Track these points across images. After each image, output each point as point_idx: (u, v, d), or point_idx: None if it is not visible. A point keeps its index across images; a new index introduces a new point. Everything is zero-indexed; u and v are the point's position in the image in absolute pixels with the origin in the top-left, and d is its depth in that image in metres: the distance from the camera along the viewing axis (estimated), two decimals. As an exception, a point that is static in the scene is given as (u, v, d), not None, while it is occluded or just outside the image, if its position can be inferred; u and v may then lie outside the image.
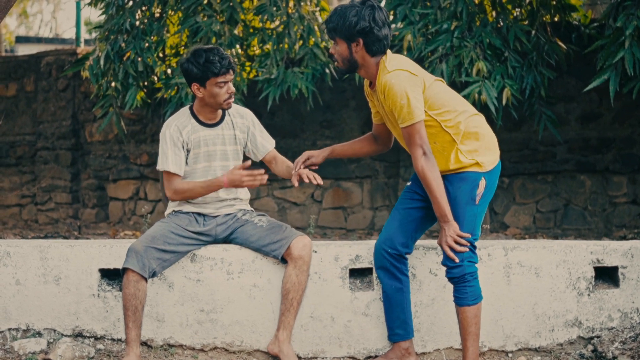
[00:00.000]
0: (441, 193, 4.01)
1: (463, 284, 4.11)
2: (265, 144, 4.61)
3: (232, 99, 4.44)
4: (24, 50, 19.06)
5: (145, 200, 10.47)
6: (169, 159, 4.42)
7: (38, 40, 21.74)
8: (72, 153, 10.78)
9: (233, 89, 4.42)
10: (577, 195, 8.85)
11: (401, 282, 4.33)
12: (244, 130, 4.57)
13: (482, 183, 4.11)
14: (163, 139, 4.45)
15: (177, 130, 4.43)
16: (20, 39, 21.49)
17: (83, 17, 10.28)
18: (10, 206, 11.25)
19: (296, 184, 4.29)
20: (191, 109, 4.51)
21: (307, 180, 4.24)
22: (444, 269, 4.47)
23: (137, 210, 10.49)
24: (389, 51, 4.13)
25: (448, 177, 4.14)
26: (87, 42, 14.47)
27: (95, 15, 32.71)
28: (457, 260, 4.07)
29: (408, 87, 3.97)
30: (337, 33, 4.08)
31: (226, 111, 4.54)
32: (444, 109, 4.09)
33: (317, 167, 4.41)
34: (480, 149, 4.14)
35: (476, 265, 4.15)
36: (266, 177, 4.29)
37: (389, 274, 4.33)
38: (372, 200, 9.48)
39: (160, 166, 4.44)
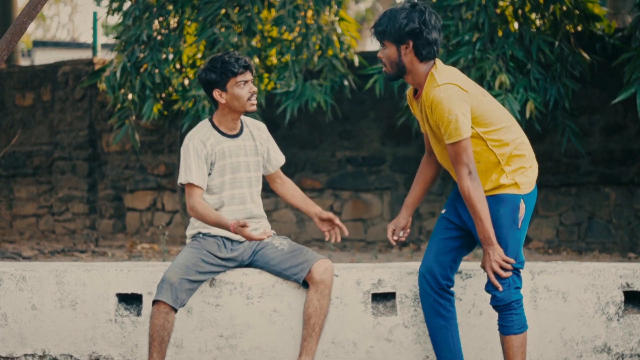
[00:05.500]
0: (486, 215, 3.87)
1: (509, 312, 3.96)
2: (278, 157, 4.55)
3: (256, 100, 4.34)
4: (41, 55, 19.10)
5: (163, 211, 10.42)
6: (192, 171, 4.28)
7: (55, 44, 21.80)
8: (89, 163, 10.75)
9: (255, 88, 4.33)
10: (601, 208, 8.71)
11: (445, 319, 4.15)
12: (262, 142, 4.49)
13: (522, 206, 3.97)
14: (186, 152, 4.32)
15: (201, 143, 4.31)
16: (37, 44, 21.54)
17: (100, 20, 10.27)
18: (27, 216, 11.23)
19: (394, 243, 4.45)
20: (211, 120, 4.41)
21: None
22: (470, 293, 4.36)
23: (154, 221, 10.44)
24: (439, 62, 3.99)
25: (486, 199, 3.99)
26: (104, 46, 14.43)
27: (112, 18, 32.77)
28: (500, 288, 3.92)
29: (456, 103, 3.82)
30: (386, 36, 3.93)
31: (244, 123, 4.45)
32: (492, 127, 3.93)
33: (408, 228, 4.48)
34: (522, 170, 3.98)
35: (522, 292, 4.01)
36: (272, 232, 4.33)
37: (433, 310, 4.16)
38: (392, 212, 9.38)
39: (182, 179, 4.30)
